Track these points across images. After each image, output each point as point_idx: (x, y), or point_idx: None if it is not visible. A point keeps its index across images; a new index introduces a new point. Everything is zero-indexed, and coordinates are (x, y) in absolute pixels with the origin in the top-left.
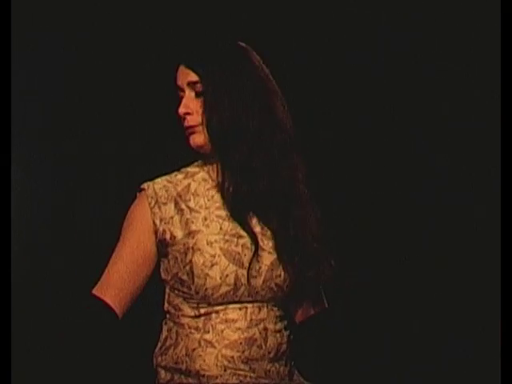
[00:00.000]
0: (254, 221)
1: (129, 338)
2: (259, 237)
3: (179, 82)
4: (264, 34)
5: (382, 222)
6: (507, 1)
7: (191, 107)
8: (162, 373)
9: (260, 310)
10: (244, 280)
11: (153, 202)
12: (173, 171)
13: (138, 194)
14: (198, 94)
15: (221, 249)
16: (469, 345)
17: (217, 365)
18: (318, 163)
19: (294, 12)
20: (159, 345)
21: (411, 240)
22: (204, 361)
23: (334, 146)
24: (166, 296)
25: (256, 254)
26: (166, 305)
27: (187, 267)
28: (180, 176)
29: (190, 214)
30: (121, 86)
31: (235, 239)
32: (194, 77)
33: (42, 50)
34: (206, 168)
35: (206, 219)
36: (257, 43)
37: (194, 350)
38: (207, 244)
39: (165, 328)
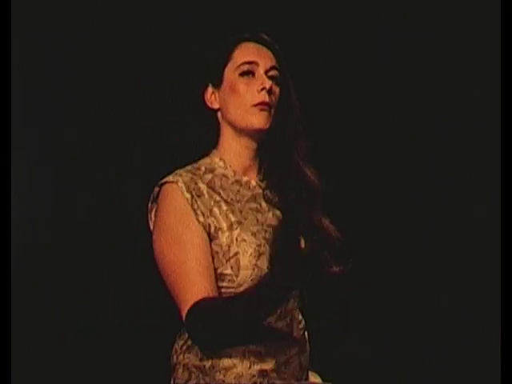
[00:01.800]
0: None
1: (131, 337)
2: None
3: (257, 60)
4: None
5: (382, 222)
6: (507, 1)
7: (273, 88)
8: (180, 372)
9: (289, 300)
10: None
11: (189, 196)
12: (181, 166)
13: (164, 189)
14: (272, 78)
15: (264, 238)
16: (469, 345)
17: (243, 359)
18: (317, 163)
19: (293, 12)
20: (180, 343)
21: (411, 240)
22: (230, 357)
23: (334, 145)
24: None
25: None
26: None
27: (232, 260)
28: (200, 170)
29: (226, 206)
30: (120, 86)
31: (271, 230)
32: (274, 62)
33: (42, 50)
34: (219, 164)
35: (241, 211)
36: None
37: None
38: (252, 234)
39: None
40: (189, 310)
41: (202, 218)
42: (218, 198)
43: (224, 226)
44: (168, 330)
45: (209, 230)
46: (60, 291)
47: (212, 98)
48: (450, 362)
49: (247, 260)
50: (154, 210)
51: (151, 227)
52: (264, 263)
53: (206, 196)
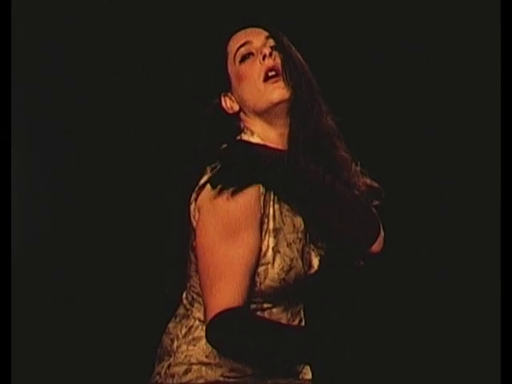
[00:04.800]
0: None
1: (131, 337)
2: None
3: (249, 39)
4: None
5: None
6: (507, 1)
7: (274, 53)
8: (180, 360)
9: (297, 304)
10: (304, 284)
11: (263, 191)
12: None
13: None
14: (271, 48)
15: (298, 251)
16: (469, 345)
17: (252, 366)
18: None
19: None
20: (184, 330)
21: (411, 240)
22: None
23: None
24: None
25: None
26: (199, 290)
27: (261, 268)
28: None
29: (272, 209)
30: (120, 86)
31: (303, 236)
32: (267, 34)
33: (42, 49)
34: None
35: (281, 213)
36: None
37: None
38: (287, 246)
39: (194, 318)
40: (211, 321)
41: (264, 217)
42: (272, 197)
43: (269, 229)
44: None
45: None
46: (60, 291)
47: (230, 103)
48: (450, 362)
49: (276, 272)
50: (198, 194)
51: (192, 211)
52: (291, 278)
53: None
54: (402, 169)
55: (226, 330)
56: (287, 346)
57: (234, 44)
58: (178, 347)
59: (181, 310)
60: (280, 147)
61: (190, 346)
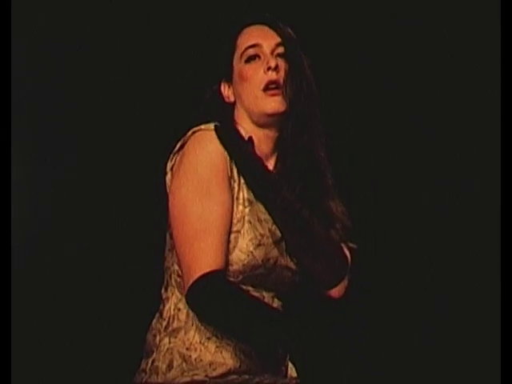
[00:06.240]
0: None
1: (131, 337)
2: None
3: (259, 41)
4: None
5: (382, 222)
6: (507, 1)
7: (280, 64)
8: (162, 355)
9: (273, 300)
10: (280, 269)
11: (225, 153)
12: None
13: (197, 136)
14: (279, 56)
15: (270, 230)
16: (469, 345)
17: (233, 359)
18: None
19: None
20: (164, 324)
21: (411, 239)
22: (221, 353)
23: (333, 145)
24: (176, 267)
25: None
26: (174, 268)
27: (232, 235)
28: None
29: (244, 180)
30: (120, 85)
31: (272, 223)
32: (279, 39)
33: (42, 49)
34: None
35: (253, 193)
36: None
37: (209, 338)
38: (258, 221)
39: (171, 307)
40: (192, 284)
41: (232, 180)
42: (236, 172)
43: (240, 198)
44: None
45: (237, 196)
46: (60, 291)
47: (228, 92)
48: (449, 362)
49: (245, 243)
50: (174, 161)
51: (168, 182)
52: (260, 256)
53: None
54: (402, 169)
55: (208, 294)
56: (267, 323)
57: (244, 41)
58: (160, 341)
59: (161, 306)
60: (264, 149)
61: (172, 337)
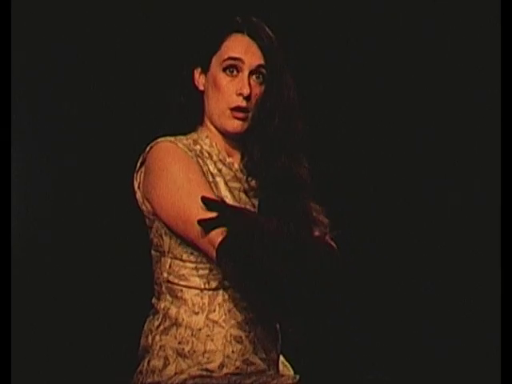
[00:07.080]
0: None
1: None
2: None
3: (243, 57)
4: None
5: (381, 221)
6: (507, 1)
7: (254, 91)
8: (156, 354)
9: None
10: None
11: (191, 154)
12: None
13: (161, 146)
14: (258, 77)
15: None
16: (469, 345)
17: (225, 345)
18: (316, 162)
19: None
20: (156, 323)
21: (411, 239)
22: (212, 340)
23: (333, 144)
24: (166, 267)
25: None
26: (164, 276)
27: None
28: (188, 141)
29: (212, 178)
30: (120, 85)
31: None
32: (262, 60)
33: (42, 49)
34: (204, 142)
35: (225, 188)
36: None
37: (199, 329)
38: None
39: (160, 306)
40: (218, 251)
41: (208, 176)
42: (205, 169)
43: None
44: None
45: None
46: (60, 291)
47: (200, 80)
48: (449, 362)
49: None
50: (139, 179)
51: (139, 199)
52: None
53: (200, 162)
54: (402, 169)
55: (238, 249)
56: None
57: (228, 50)
58: (152, 340)
59: (152, 310)
60: (229, 160)
61: (163, 335)
